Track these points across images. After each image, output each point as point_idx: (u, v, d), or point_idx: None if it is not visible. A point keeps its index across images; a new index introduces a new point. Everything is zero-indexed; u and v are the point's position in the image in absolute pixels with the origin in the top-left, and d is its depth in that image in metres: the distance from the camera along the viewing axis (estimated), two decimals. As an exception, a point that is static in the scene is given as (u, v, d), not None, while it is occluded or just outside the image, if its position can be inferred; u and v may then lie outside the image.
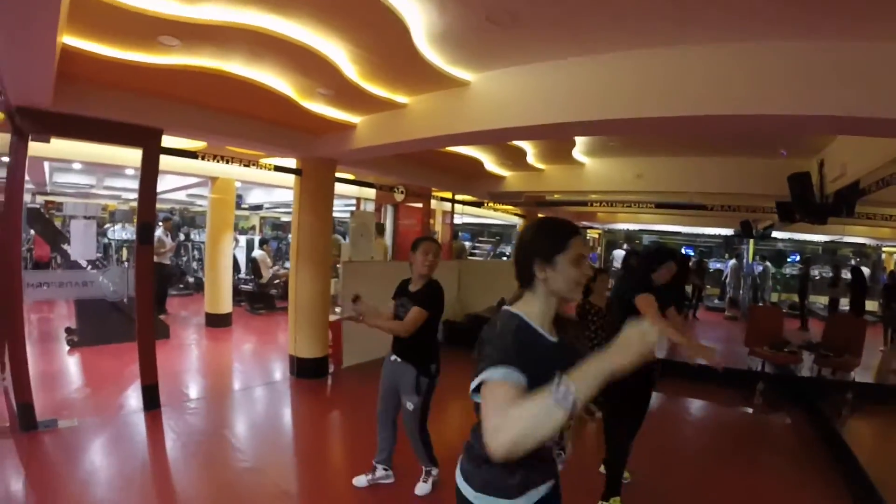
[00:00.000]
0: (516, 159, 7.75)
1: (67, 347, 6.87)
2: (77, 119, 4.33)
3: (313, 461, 4.50)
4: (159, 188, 11.53)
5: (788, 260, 17.99)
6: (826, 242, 17.03)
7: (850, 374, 7.16)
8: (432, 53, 3.83)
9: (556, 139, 6.24)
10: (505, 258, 18.04)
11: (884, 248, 16.59)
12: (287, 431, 5.16)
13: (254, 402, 5.73)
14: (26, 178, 7.58)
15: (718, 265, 17.41)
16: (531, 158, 7.71)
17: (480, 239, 20.79)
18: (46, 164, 9.71)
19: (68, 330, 7.06)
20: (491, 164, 8.18)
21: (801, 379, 7.33)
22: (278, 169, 6.52)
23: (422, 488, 3.80)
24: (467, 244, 18.77)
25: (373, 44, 3.60)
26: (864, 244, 16.62)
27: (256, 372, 6.83)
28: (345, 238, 9.71)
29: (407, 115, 4.91)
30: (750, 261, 15.27)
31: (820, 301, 15.04)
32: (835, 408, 6.19)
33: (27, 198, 9.20)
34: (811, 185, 5.61)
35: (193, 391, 5.87)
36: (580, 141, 6.74)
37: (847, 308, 11.88)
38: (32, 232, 8.22)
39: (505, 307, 1.74)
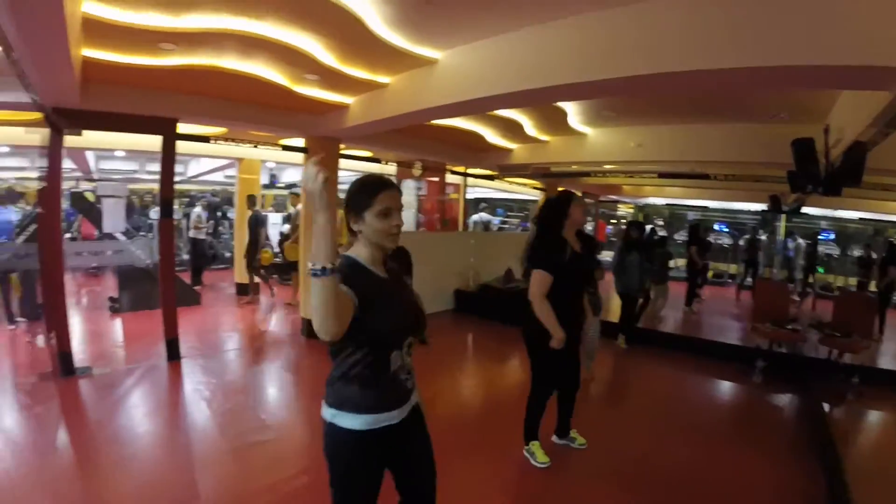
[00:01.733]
0: (515, 131, 8.06)
1: (110, 314, 7.89)
2: (102, 114, 5.13)
3: (306, 401, 5.26)
4: (196, 171, 12.46)
5: (820, 238, 16.94)
6: (870, 221, 15.65)
7: (858, 357, 6.65)
8: (395, 36, 4.26)
9: (526, 106, 6.51)
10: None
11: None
12: (287, 383, 5.97)
13: (262, 357, 6.62)
14: (73, 166, 8.57)
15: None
16: (531, 130, 8.01)
17: (510, 214, 21.28)
18: (90, 154, 10.73)
19: (111, 299, 8.08)
20: (494, 136, 8.52)
21: (802, 358, 6.99)
22: (286, 148, 7.17)
23: None
24: (498, 219, 19.42)
25: (335, 34, 4.14)
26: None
27: (271, 333, 7.70)
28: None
29: (389, 93, 5.44)
30: (782, 238, 14.76)
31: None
32: (832, 391, 6.02)
33: (72, 183, 10.24)
34: (814, 151, 5.29)
35: (212, 347, 6.74)
36: (577, 111, 6.94)
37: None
38: (81, 215, 9.21)
39: (342, 253, 1.89)
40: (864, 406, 6.23)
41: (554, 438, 4.30)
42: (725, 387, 6.58)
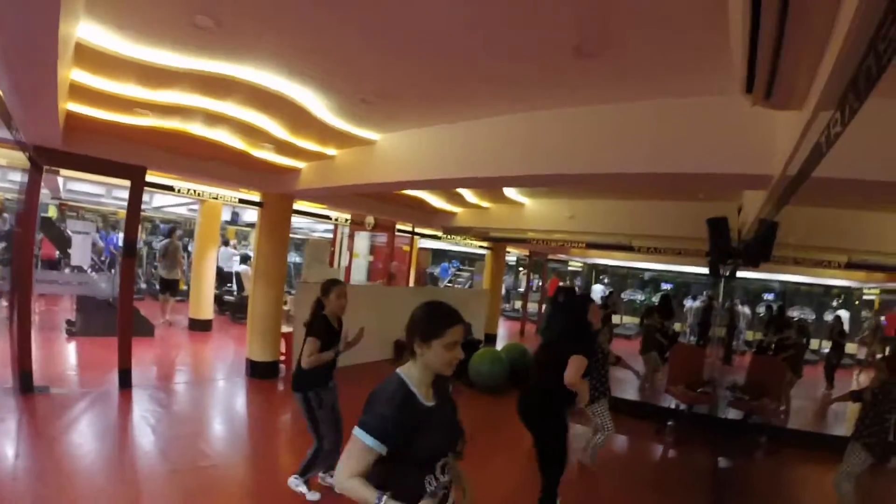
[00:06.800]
0: (458, 199, 8.91)
1: (66, 336, 8.31)
2: (80, 157, 5.74)
3: (253, 443, 5.66)
4: (163, 202, 13.03)
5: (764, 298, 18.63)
6: (809, 285, 17.37)
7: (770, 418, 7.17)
8: (338, 121, 5.14)
9: (454, 188, 7.24)
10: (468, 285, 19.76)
11: (865, 291, 16.61)
12: (234, 419, 6.39)
13: (210, 393, 7.05)
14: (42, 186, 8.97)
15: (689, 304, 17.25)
16: (472, 198, 8.83)
17: (461, 268, 22.23)
18: (60, 178, 11.25)
19: (68, 322, 8.52)
20: (438, 201, 9.33)
21: (714, 419, 7.37)
22: (243, 202, 7.92)
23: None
24: (452, 269, 20.78)
25: (286, 117, 4.97)
26: (848, 287, 16.70)
27: (219, 369, 8.13)
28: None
29: (335, 164, 6.25)
30: (720, 300, 15.63)
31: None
32: (741, 449, 6.50)
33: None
34: (727, 228, 5.75)
35: (162, 379, 7.14)
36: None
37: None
38: (40, 236, 9.62)
39: (397, 370, 1.99)
40: (768, 463, 6.70)
41: None
42: (643, 445, 7.09)
